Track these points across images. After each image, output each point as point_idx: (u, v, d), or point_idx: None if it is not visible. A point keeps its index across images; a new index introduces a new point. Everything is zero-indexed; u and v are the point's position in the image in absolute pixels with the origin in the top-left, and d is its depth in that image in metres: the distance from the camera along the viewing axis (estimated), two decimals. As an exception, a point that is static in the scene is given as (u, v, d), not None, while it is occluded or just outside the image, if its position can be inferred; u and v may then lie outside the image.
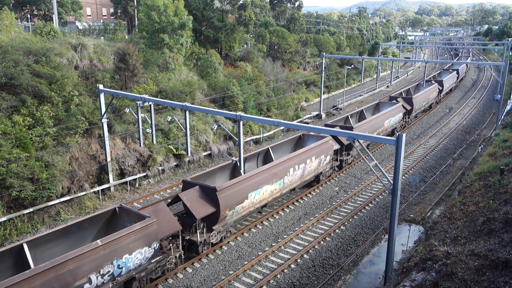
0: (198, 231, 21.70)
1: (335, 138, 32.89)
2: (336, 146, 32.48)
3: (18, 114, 26.75)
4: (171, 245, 20.55)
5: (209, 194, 21.87)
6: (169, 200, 25.37)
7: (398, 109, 43.46)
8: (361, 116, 42.23)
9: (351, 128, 33.44)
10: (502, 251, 12.71)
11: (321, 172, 31.34)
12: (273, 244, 23.84)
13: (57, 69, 30.44)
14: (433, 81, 61.09)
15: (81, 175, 28.41)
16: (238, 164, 23.84)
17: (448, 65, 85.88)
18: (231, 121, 39.35)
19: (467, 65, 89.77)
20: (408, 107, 46.38)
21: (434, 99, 57.70)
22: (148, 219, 18.71)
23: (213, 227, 22.29)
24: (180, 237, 20.97)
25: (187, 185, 22.84)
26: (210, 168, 26.48)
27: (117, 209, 20.47)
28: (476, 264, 12.46)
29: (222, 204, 21.66)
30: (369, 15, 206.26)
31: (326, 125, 34.96)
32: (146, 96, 24.60)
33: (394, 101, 46.54)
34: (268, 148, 29.81)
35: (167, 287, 20.16)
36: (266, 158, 29.63)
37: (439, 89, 59.29)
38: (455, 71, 74.30)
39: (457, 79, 74.79)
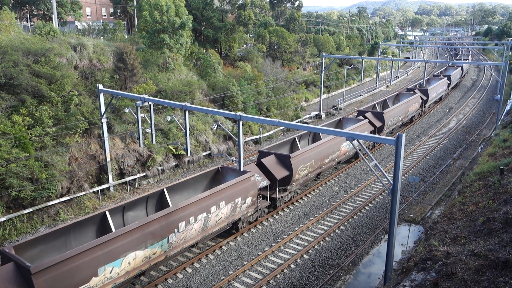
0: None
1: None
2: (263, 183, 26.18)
3: (18, 114, 26.73)
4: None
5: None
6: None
7: (365, 126, 37.47)
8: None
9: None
10: (502, 251, 12.70)
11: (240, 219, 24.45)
12: (272, 244, 23.82)
13: (56, 69, 30.40)
14: (415, 91, 52.98)
15: (81, 175, 28.39)
16: (238, 164, 23.83)
17: (445, 66, 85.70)
18: (230, 121, 39.34)
19: (462, 69, 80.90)
20: (379, 124, 40.32)
21: (416, 111, 50.52)
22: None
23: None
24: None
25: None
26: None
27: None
28: (476, 264, 12.45)
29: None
30: (369, 15, 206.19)
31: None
32: (146, 96, 24.57)
33: (361, 116, 40.56)
34: (163, 190, 22.31)
35: (167, 287, 20.14)
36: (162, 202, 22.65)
37: (422, 99, 52.16)
38: (446, 77, 66.16)
39: (448, 86, 66.72)
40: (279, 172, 26.52)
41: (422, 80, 61.67)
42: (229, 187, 22.32)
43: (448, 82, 65.23)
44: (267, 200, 26.49)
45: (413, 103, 48.39)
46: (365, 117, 39.46)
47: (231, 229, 24.42)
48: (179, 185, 23.67)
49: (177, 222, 19.77)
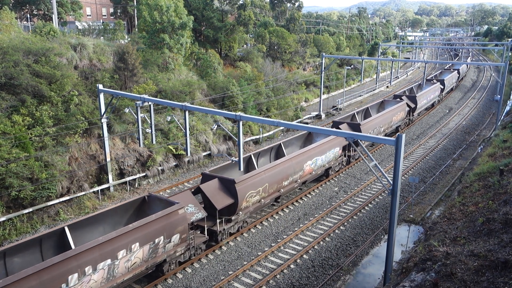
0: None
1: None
2: None
3: (18, 114, 26.74)
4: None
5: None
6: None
7: (335, 141, 33.07)
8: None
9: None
10: (502, 252, 12.71)
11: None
12: (272, 245, 23.83)
13: (56, 69, 30.41)
14: (403, 97, 48.43)
15: (81, 175, 28.39)
16: (238, 164, 23.82)
17: (445, 66, 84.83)
18: (230, 121, 39.34)
19: (459, 72, 75.84)
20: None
21: (402, 120, 45.85)
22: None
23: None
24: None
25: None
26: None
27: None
28: (476, 264, 12.46)
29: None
30: (369, 16, 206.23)
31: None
32: (146, 96, 24.58)
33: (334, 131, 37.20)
34: (64, 228, 18.75)
35: (166, 287, 20.15)
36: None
37: (409, 107, 47.97)
38: (439, 82, 61.26)
39: (441, 92, 61.70)
40: (221, 201, 22.55)
41: (412, 85, 58.01)
42: (145, 225, 18.23)
43: (442, 87, 60.76)
44: (204, 234, 22.33)
45: (398, 111, 43.42)
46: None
47: (156, 272, 20.33)
48: (92, 219, 19.66)
49: (65, 275, 15.49)
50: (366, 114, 43.25)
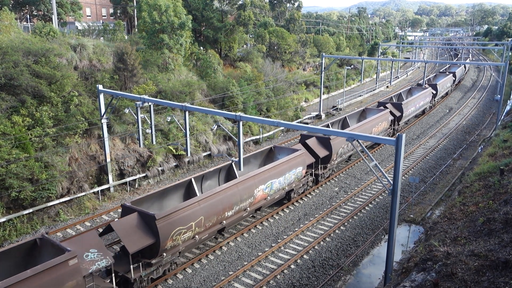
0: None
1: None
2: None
3: (18, 115, 26.73)
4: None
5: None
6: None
7: (299, 158, 28.86)
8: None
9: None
10: (502, 252, 12.70)
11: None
12: (273, 245, 23.82)
13: (56, 70, 30.42)
14: (387, 105, 43.98)
15: (81, 175, 28.38)
16: (238, 164, 23.79)
17: (444, 66, 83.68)
18: (230, 121, 39.33)
19: (455, 75, 70.29)
20: (324, 153, 31.32)
21: (384, 131, 40.81)
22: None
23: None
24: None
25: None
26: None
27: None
28: (476, 264, 12.45)
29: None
30: (369, 16, 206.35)
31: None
32: (146, 97, 24.57)
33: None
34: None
35: (166, 287, 20.15)
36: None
37: (394, 116, 43.50)
38: (431, 87, 56.30)
39: (433, 97, 56.67)
40: (137, 242, 18.43)
41: (401, 90, 54.03)
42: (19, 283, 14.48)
43: (434, 92, 56.24)
44: (112, 283, 18.23)
45: (380, 121, 38.62)
46: (306, 145, 30.79)
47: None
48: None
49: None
50: (344, 124, 38.78)
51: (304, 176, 29.44)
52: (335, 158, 32.47)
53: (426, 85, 57.02)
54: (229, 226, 24.00)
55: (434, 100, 57.57)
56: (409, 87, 57.59)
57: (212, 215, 21.67)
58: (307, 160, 29.20)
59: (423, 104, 52.10)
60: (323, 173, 31.90)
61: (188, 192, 24.20)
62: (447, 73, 70.03)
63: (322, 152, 30.99)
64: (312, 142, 31.16)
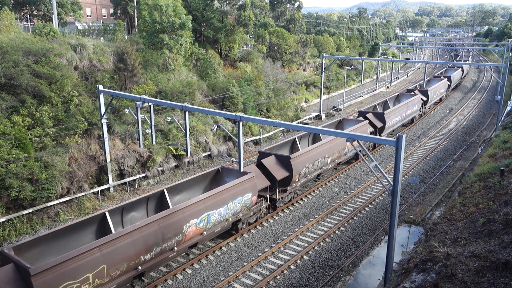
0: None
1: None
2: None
3: (18, 115, 26.72)
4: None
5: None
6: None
7: (242, 190, 24.10)
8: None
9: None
10: (502, 253, 12.67)
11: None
12: (272, 245, 23.79)
13: (56, 70, 30.43)
14: (368, 115, 39.62)
15: (81, 175, 28.36)
16: (238, 164, 23.80)
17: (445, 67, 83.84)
18: (230, 121, 39.33)
19: (450, 79, 65.46)
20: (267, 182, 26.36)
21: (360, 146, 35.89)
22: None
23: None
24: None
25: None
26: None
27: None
28: (476, 265, 12.42)
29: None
30: (369, 16, 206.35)
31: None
32: (146, 97, 24.56)
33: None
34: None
35: (166, 288, 20.11)
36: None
37: (375, 127, 39.28)
38: (422, 94, 52.01)
39: (423, 105, 52.21)
40: None
41: (387, 98, 50.31)
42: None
43: (425, 99, 51.92)
44: None
45: (344, 142, 32.23)
46: (261, 166, 26.71)
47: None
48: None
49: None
50: (315, 138, 34.06)
51: (256, 203, 25.06)
52: (297, 180, 27.84)
53: (416, 91, 52.57)
54: (150, 271, 19.82)
55: (425, 108, 53.26)
56: (397, 94, 53.45)
57: (120, 261, 17.27)
58: (259, 184, 24.84)
59: (410, 112, 47.51)
60: (281, 197, 27.27)
61: (102, 228, 19.67)
62: (442, 77, 65.27)
63: (280, 174, 26.47)
64: (269, 161, 26.80)
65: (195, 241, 21.44)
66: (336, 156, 32.12)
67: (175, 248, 20.09)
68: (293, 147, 32.54)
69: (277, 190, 26.90)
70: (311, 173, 29.61)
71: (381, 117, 39.65)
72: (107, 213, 19.57)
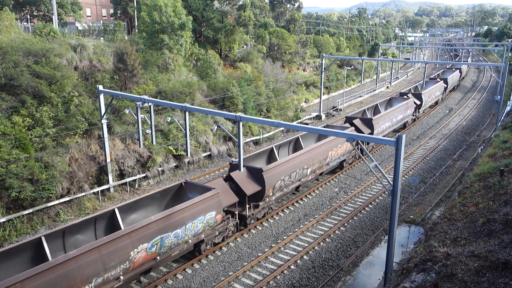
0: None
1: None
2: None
3: (18, 115, 26.74)
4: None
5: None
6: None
7: (204, 208, 21.70)
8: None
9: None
10: (502, 252, 12.69)
11: None
12: (272, 245, 23.81)
13: (56, 70, 30.44)
14: (347, 124, 37.05)
15: (81, 176, 28.38)
16: (238, 164, 23.79)
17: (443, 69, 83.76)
18: (230, 122, 39.34)
19: (446, 81, 62.85)
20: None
21: (346, 154, 33.96)
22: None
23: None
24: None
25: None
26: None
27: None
28: (476, 265, 12.44)
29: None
30: (369, 16, 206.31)
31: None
32: (146, 97, 24.58)
33: None
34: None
35: (166, 288, 20.12)
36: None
37: (363, 133, 35.57)
38: (415, 97, 49.64)
39: (415, 110, 49.67)
40: None
41: (378, 102, 47.26)
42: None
43: (418, 102, 49.60)
44: None
45: (339, 143, 31.44)
46: (231, 178, 24.91)
47: None
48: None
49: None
50: (296, 146, 32.07)
51: (222, 222, 22.75)
52: (270, 194, 25.51)
53: (409, 95, 50.17)
54: None
55: (419, 112, 51.01)
56: (389, 98, 51.01)
57: None
58: (226, 201, 22.67)
59: (402, 117, 45.00)
60: (253, 214, 25.07)
61: (38, 255, 17.25)
62: (438, 79, 62.98)
63: (250, 188, 24.08)
64: (238, 175, 24.30)
65: (148, 266, 19.03)
66: (317, 167, 29.55)
67: (121, 277, 17.69)
68: (271, 157, 30.07)
69: (247, 206, 24.84)
70: (288, 186, 27.16)
71: (369, 123, 36.97)
72: (43, 238, 16.96)
